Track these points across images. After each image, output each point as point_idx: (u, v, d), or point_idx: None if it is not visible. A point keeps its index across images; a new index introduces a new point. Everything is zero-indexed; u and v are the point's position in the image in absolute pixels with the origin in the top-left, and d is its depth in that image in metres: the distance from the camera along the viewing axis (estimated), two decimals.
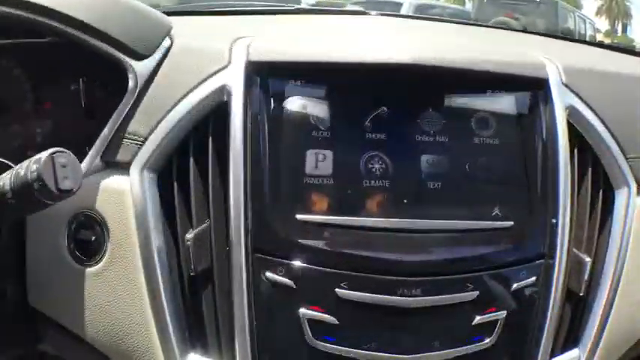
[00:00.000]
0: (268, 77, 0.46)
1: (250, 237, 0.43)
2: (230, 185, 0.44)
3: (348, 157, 0.46)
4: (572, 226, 0.47)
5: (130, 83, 0.47)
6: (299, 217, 0.44)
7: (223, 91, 0.46)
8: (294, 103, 0.47)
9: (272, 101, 0.46)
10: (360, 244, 0.44)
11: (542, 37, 0.87)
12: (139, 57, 0.49)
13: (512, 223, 0.46)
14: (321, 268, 0.43)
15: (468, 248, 0.45)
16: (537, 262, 0.46)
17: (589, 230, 0.49)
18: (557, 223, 0.46)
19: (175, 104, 0.47)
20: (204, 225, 0.45)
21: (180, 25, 0.54)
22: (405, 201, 0.45)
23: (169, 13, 0.59)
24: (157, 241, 0.44)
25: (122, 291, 0.44)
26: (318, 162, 0.45)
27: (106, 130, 0.47)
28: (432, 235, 0.45)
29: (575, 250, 0.48)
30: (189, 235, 0.44)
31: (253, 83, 0.46)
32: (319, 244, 0.44)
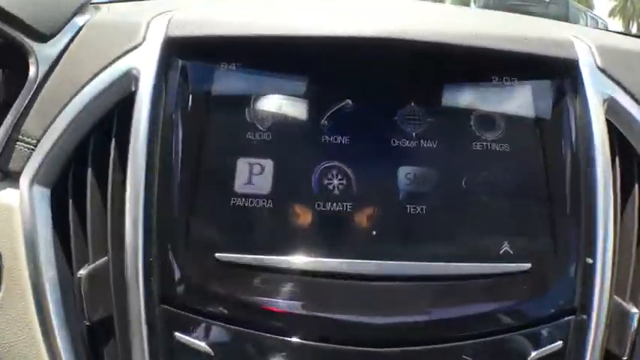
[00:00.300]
0: (191, 58, 0.35)
1: (154, 281, 0.32)
2: (126, 208, 0.32)
3: (295, 169, 0.34)
4: (615, 266, 0.33)
5: (31, 71, 0.39)
6: (220, 255, 0.31)
7: (130, 77, 0.35)
8: (224, 93, 0.35)
9: (194, 90, 0.35)
10: (308, 297, 0.31)
11: (562, 22, 0.72)
12: (43, 38, 0.39)
13: (529, 265, 0.32)
14: (250, 330, 0.31)
15: (465, 303, 0.32)
16: (565, 319, 0.33)
17: (636, 268, 0.35)
18: (594, 264, 0.32)
19: (73, 97, 0.36)
20: (102, 259, 0.34)
21: (112, 5, 0.45)
22: (375, 233, 0.32)
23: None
24: (49, 275, 0.35)
25: (19, 334, 0.35)
26: (253, 175, 0.33)
27: (1, 132, 0.38)
28: (412, 284, 0.32)
29: (616, 297, 0.34)
30: (83, 272, 0.34)
31: (171, 66, 0.35)
32: (248, 296, 0.31)
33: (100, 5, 0.46)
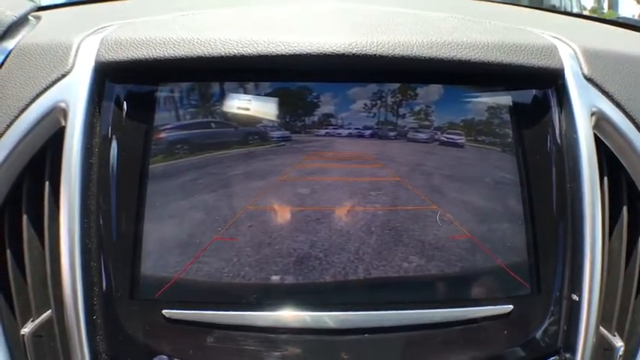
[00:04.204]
0: (127, 83, 0.30)
1: (100, 340, 0.28)
2: (62, 260, 0.27)
3: (253, 211, 0.28)
4: (601, 300, 0.29)
5: None
6: (167, 312, 0.27)
7: (59, 111, 0.30)
8: (167, 125, 0.30)
9: (132, 124, 0.30)
10: (267, 357, 0.27)
11: (537, 12, 0.65)
12: None
13: (511, 306, 0.28)
14: None
15: (441, 353, 0.27)
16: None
17: (622, 300, 0.31)
18: (580, 301, 0.28)
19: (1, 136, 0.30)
20: (45, 314, 0.30)
21: (53, 17, 0.39)
22: (342, 279, 0.27)
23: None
24: None
25: None
26: (203, 221, 0.28)
27: None
28: (384, 335, 0.27)
29: (602, 329, 0.30)
30: (26, 331, 0.30)
31: (104, 95, 0.30)
32: (199, 356, 0.27)
33: (39, 14, 0.40)
